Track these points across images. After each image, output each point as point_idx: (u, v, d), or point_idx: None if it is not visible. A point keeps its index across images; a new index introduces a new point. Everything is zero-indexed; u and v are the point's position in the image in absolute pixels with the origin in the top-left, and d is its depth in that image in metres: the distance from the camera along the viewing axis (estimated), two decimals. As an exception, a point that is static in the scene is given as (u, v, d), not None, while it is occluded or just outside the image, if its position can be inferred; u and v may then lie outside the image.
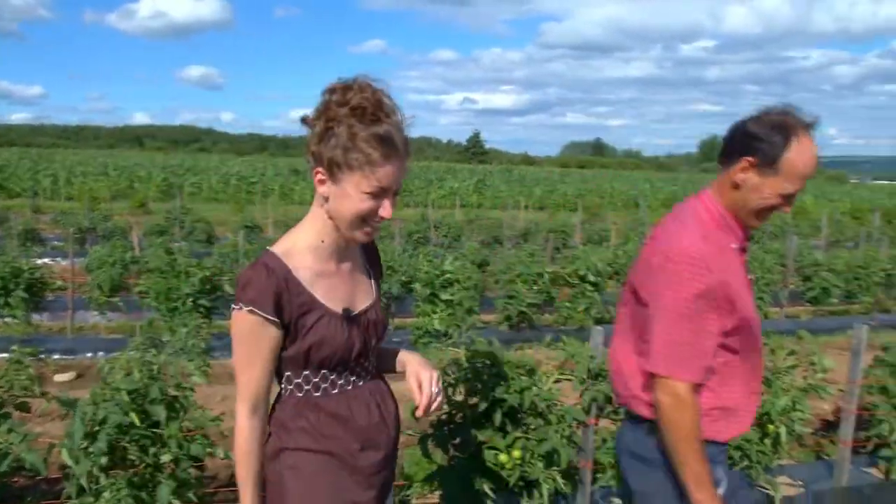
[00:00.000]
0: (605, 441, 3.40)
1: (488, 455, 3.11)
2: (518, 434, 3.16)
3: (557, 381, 3.33)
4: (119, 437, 2.74)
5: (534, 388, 3.10)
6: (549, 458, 3.14)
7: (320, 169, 1.60)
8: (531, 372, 3.19)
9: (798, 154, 1.88)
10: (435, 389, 1.78)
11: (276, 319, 1.61)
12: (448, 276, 6.98)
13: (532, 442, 3.13)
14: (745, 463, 3.49)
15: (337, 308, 1.69)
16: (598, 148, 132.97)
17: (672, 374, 1.88)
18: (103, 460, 2.68)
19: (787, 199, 1.94)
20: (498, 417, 3.01)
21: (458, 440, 3.10)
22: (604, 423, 3.42)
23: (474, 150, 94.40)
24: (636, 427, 2.09)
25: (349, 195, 1.58)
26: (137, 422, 2.74)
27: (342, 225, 1.64)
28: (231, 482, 3.70)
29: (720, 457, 2.04)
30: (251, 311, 1.59)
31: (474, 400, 3.09)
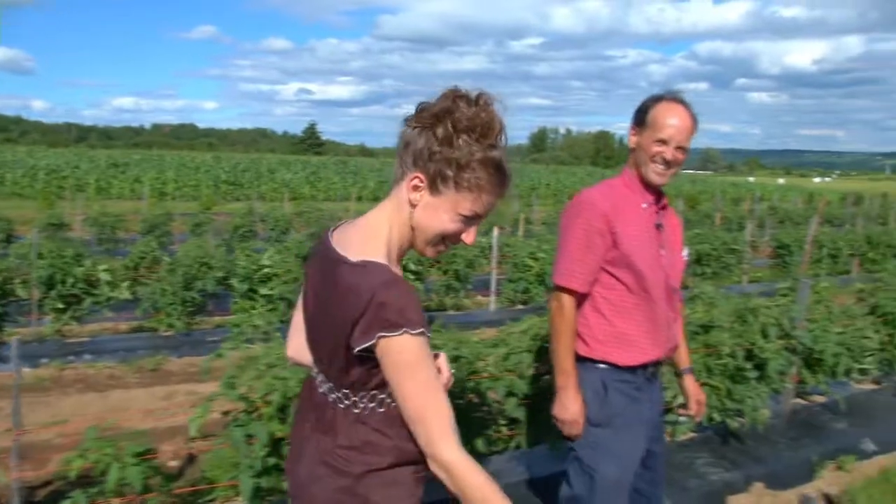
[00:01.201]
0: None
1: (286, 451, 3.06)
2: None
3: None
4: None
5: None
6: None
7: (421, 175, 1.46)
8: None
9: (658, 111, 2.37)
10: (451, 369, 1.81)
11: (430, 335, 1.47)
12: (267, 270, 6.80)
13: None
14: (544, 440, 3.67)
15: None
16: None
17: (562, 282, 2.36)
18: None
19: (662, 143, 2.36)
20: (291, 412, 2.96)
21: (254, 437, 3.03)
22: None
23: (311, 142, 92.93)
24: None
25: (442, 212, 1.48)
26: None
27: (420, 237, 1.52)
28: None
29: (616, 383, 2.41)
30: (422, 333, 1.40)
31: (272, 396, 3.02)
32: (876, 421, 5.20)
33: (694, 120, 2.40)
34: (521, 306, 8.58)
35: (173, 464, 4.39)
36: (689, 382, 2.72)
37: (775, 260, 11.63)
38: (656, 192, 2.47)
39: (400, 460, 1.54)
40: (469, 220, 1.50)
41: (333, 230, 1.60)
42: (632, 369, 2.41)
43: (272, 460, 3.01)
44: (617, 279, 2.38)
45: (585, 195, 2.43)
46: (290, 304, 6.92)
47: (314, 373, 1.65)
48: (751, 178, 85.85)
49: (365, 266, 1.43)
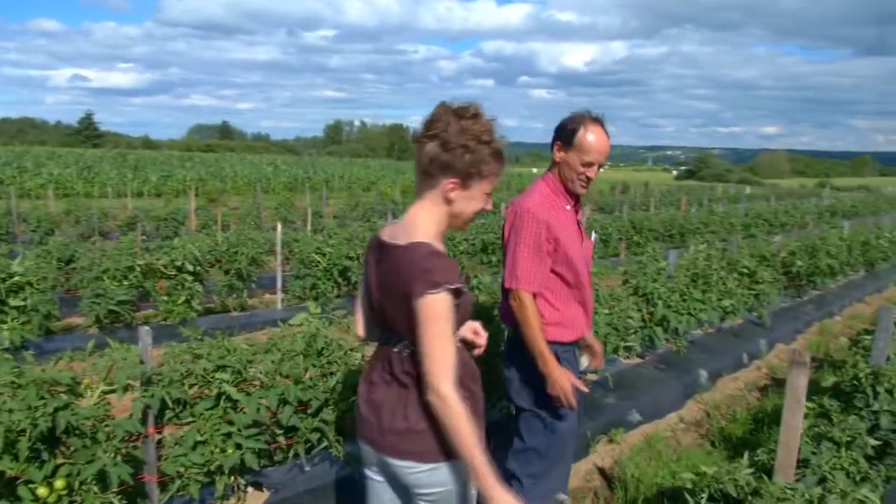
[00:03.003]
0: (171, 447, 3.11)
1: (24, 491, 2.66)
2: (60, 461, 2.76)
3: (111, 392, 2.98)
4: None
5: (72, 406, 2.71)
6: (103, 481, 2.80)
7: (454, 179, 1.96)
8: (72, 387, 2.80)
9: (585, 134, 2.81)
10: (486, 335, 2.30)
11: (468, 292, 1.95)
12: (17, 278, 6.01)
13: (78, 467, 2.75)
14: (325, 444, 3.52)
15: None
16: (226, 131, 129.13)
17: (518, 286, 2.80)
18: None
19: (588, 165, 2.84)
20: (24, 446, 2.57)
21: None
22: (169, 429, 3.15)
23: (87, 133, 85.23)
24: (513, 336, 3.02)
25: (475, 197, 2.01)
26: None
27: (462, 220, 2.05)
28: None
29: (566, 354, 2.98)
30: (458, 290, 1.88)
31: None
32: (640, 393, 5.62)
33: (609, 137, 2.87)
34: (311, 303, 8.33)
35: None
36: (592, 339, 3.19)
37: (555, 246, 12.29)
38: (576, 194, 2.96)
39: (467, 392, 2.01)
40: (489, 196, 2.05)
41: (383, 229, 2.11)
42: (569, 343, 3.00)
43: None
44: (557, 274, 2.89)
45: (528, 207, 2.84)
46: (48, 316, 6.17)
47: (381, 342, 2.12)
48: (534, 170, 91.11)
49: (413, 245, 1.94)
